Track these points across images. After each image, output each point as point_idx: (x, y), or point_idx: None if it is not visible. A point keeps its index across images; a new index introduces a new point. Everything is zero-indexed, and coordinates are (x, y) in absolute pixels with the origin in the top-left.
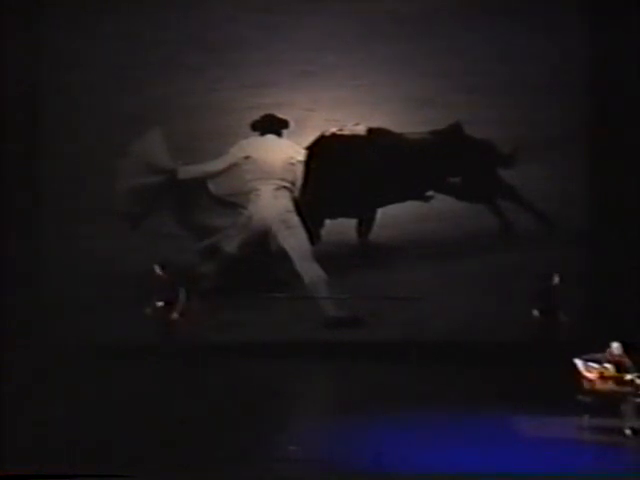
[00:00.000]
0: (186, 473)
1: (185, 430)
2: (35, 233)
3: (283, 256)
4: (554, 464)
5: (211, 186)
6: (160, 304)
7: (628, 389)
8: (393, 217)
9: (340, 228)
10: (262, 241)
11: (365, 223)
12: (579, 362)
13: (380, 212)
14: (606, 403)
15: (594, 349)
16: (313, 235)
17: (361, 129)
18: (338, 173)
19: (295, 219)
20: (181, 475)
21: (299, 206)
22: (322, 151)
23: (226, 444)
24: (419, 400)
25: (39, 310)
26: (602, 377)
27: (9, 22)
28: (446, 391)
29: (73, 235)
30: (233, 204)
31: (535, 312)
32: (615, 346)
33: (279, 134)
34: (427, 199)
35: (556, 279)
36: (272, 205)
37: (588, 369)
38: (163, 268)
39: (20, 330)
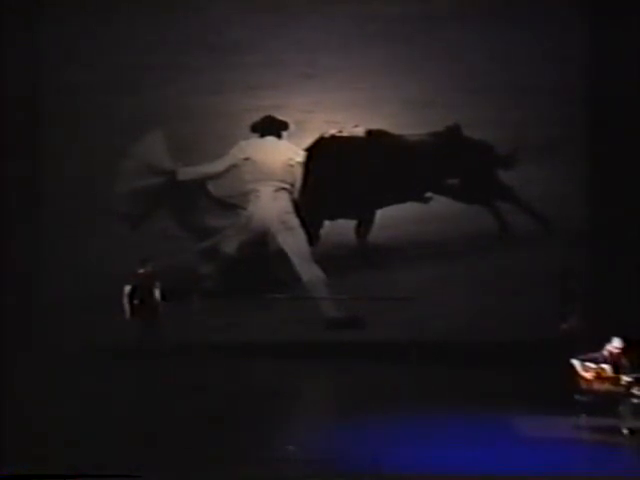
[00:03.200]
0: (186, 473)
1: (185, 430)
2: (35, 234)
3: (282, 257)
4: (551, 463)
5: (211, 187)
6: (136, 302)
7: (625, 389)
8: (392, 218)
9: (339, 229)
10: (261, 242)
11: (364, 224)
12: (577, 362)
13: (379, 213)
14: (603, 403)
15: (593, 349)
16: (312, 236)
17: (360, 131)
18: (337, 174)
19: (294, 220)
20: (181, 475)
21: (298, 207)
22: (321, 153)
23: (226, 444)
24: (419, 400)
25: (39, 310)
26: (599, 377)
27: (9, 22)
28: (446, 391)
29: (73, 236)
30: (233, 205)
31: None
32: (616, 340)
33: (279, 136)
34: (426, 200)
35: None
36: (271, 206)
37: (585, 369)
38: (143, 264)
39: (20, 330)
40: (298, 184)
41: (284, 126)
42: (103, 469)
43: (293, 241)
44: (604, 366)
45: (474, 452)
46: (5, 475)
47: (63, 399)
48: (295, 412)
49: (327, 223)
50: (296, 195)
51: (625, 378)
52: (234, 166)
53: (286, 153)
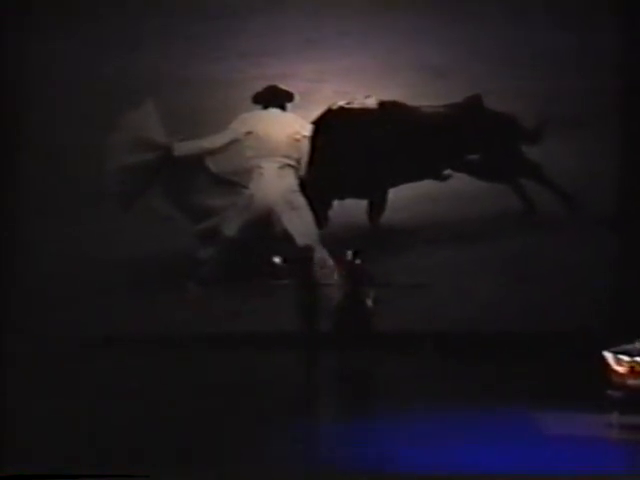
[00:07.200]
0: (185, 472)
1: (183, 428)
2: (19, 217)
3: (287, 239)
4: (580, 464)
5: (210, 164)
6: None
7: None
8: (407, 198)
9: (349, 210)
10: (265, 223)
11: (376, 204)
12: (609, 355)
13: (392, 192)
14: (637, 399)
15: (623, 339)
16: (320, 217)
17: (372, 102)
18: (347, 150)
19: (300, 199)
20: (180, 474)
21: (305, 185)
22: (330, 126)
23: (226, 443)
24: (434, 395)
25: (29, 301)
26: (633, 371)
27: None
28: (463, 385)
29: (60, 218)
30: (233, 183)
31: None
32: None
33: (283, 107)
34: (443, 178)
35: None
36: (276, 184)
37: (618, 362)
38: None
39: (16, 324)
40: (304, 160)
41: (289, 97)
42: (102, 469)
43: (299, 222)
44: (639, 359)
45: (493, 450)
46: (5, 475)
47: (55, 394)
48: (301, 407)
49: (336, 203)
50: (302, 172)
51: None
52: (235, 141)
53: (291, 126)
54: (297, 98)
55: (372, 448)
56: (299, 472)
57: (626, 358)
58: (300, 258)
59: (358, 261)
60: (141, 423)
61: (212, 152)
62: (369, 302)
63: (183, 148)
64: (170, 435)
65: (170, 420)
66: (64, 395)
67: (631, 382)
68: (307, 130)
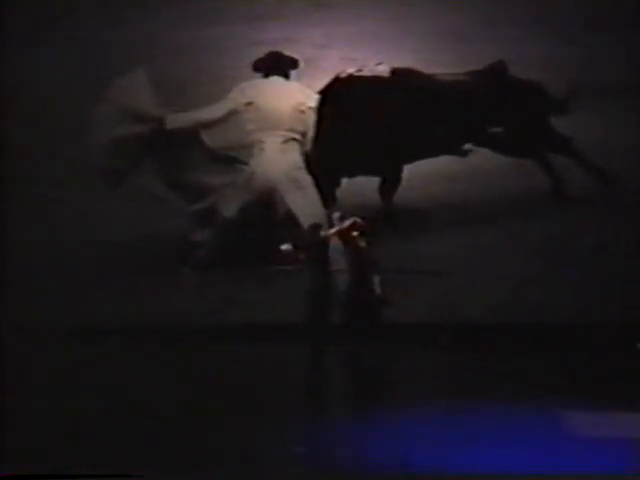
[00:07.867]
0: (184, 472)
1: (180, 427)
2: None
3: (291, 221)
4: (611, 467)
5: (206, 137)
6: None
7: None
8: (422, 175)
9: (359, 188)
10: (266, 203)
11: (389, 183)
12: None
13: (407, 170)
14: None
15: None
16: (327, 197)
17: (384, 70)
18: (357, 122)
19: (306, 177)
20: (179, 474)
21: (310, 162)
22: (338, 96)
23: (225, 442)
24: (450, 392)
25: (10, 290)
26: None
27: None
28: (482, 381)
29: (42, 198)
30: (232, 159)
31: None
32: None
33: (287, 76)
34: (464, 154)
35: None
36: (278, 161)
37: None
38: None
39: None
40: (310, 134)
41: (293, 64)
42: (102, 469)
43: (304, 202)
44: None
45: (516, 452)
46: (5, 475)
47: (55, 392)
48: (304, 405)
49: (345, 181)
50: (308, 147)
51: None
52: (234, 112)
53: (296, 96)
54: (302, 65)
55: (379, 448)
56: (300, 472)
57: None
58: (311, 243)
59: (363, 243)
60: (139, 421)
61: (209, 125)
62: (377, 289)
63: (177, 120)
64: (168, 433)
65: (168, 417)
66: (63, 393)
67: None
68: (313, 100)
